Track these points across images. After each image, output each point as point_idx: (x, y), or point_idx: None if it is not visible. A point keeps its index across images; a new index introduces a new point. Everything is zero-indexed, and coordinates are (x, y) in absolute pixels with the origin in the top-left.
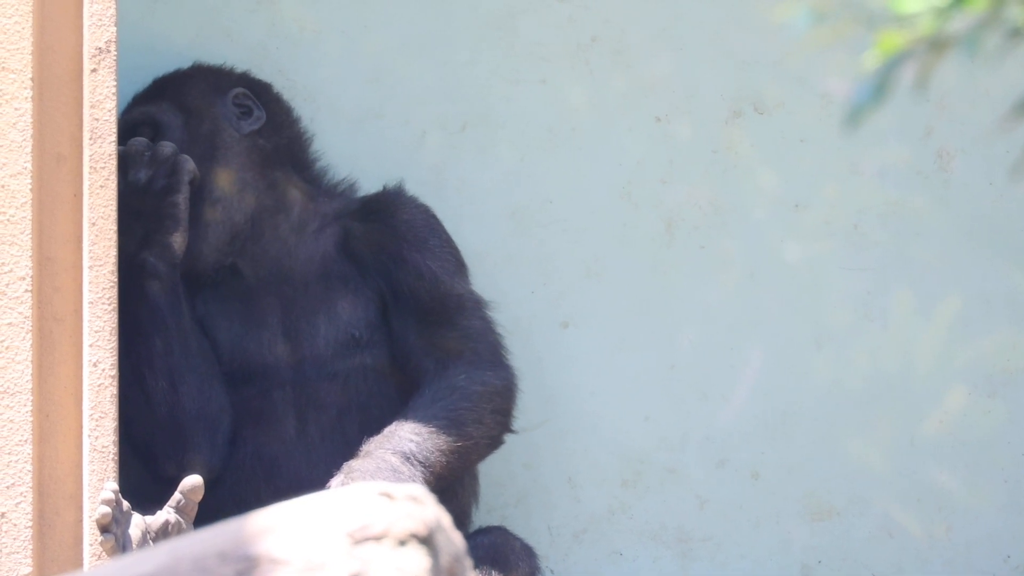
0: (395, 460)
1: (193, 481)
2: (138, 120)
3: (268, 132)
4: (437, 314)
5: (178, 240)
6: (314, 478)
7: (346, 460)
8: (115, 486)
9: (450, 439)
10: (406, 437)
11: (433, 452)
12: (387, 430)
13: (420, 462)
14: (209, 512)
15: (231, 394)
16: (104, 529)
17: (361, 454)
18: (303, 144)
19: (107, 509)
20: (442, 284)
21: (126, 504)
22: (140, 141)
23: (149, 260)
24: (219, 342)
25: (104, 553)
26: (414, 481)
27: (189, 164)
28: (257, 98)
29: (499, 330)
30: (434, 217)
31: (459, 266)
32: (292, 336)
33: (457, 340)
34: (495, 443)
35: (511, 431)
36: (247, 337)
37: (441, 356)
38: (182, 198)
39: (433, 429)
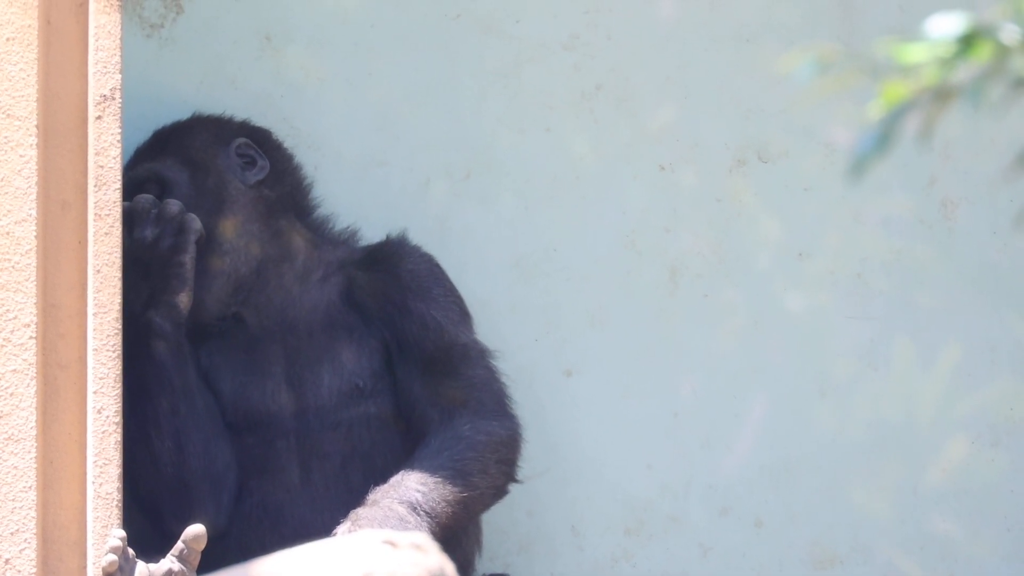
0: (401, 509)
1: (196, 530)
2: (144, 177)
3: (271, 181)
4: (442, 364)
5: (184, 300)
6: (319, 527)
7: (350, 509)
8: (122, 533)
9: (456, 489)
10: (412, 487)
11: (439, 502)
12: (393, 479)
13: (426, 512)
14: (214, 561)
15: (235, 443)
16: None
17: (367, 503)
18: (304, 191)
19: (114, 557)
20: (446, 334)
21: (131, 552)
22: (146, 198)
23: (155, 320)
24: (223, 392)
25: None
26: (420, 531)
27: (196, 223)
28: (259, 147)
29: (503, 379)
30: (438, 266)
31: (463, 315)
32: (296, 385)
33: (462, 390)
34: (500, 493)
35: (516, 481)
36: (251, 386)
37: (446, 405)
38: (188, 258)
39: (439, 479)
